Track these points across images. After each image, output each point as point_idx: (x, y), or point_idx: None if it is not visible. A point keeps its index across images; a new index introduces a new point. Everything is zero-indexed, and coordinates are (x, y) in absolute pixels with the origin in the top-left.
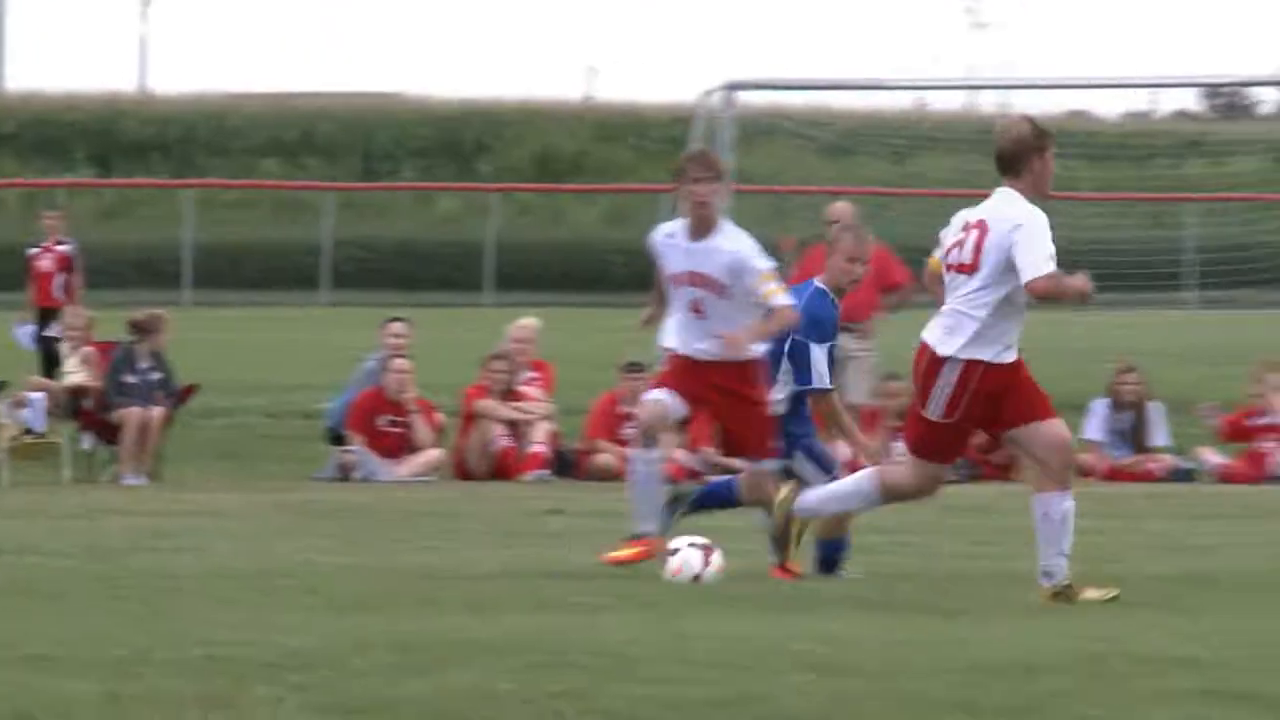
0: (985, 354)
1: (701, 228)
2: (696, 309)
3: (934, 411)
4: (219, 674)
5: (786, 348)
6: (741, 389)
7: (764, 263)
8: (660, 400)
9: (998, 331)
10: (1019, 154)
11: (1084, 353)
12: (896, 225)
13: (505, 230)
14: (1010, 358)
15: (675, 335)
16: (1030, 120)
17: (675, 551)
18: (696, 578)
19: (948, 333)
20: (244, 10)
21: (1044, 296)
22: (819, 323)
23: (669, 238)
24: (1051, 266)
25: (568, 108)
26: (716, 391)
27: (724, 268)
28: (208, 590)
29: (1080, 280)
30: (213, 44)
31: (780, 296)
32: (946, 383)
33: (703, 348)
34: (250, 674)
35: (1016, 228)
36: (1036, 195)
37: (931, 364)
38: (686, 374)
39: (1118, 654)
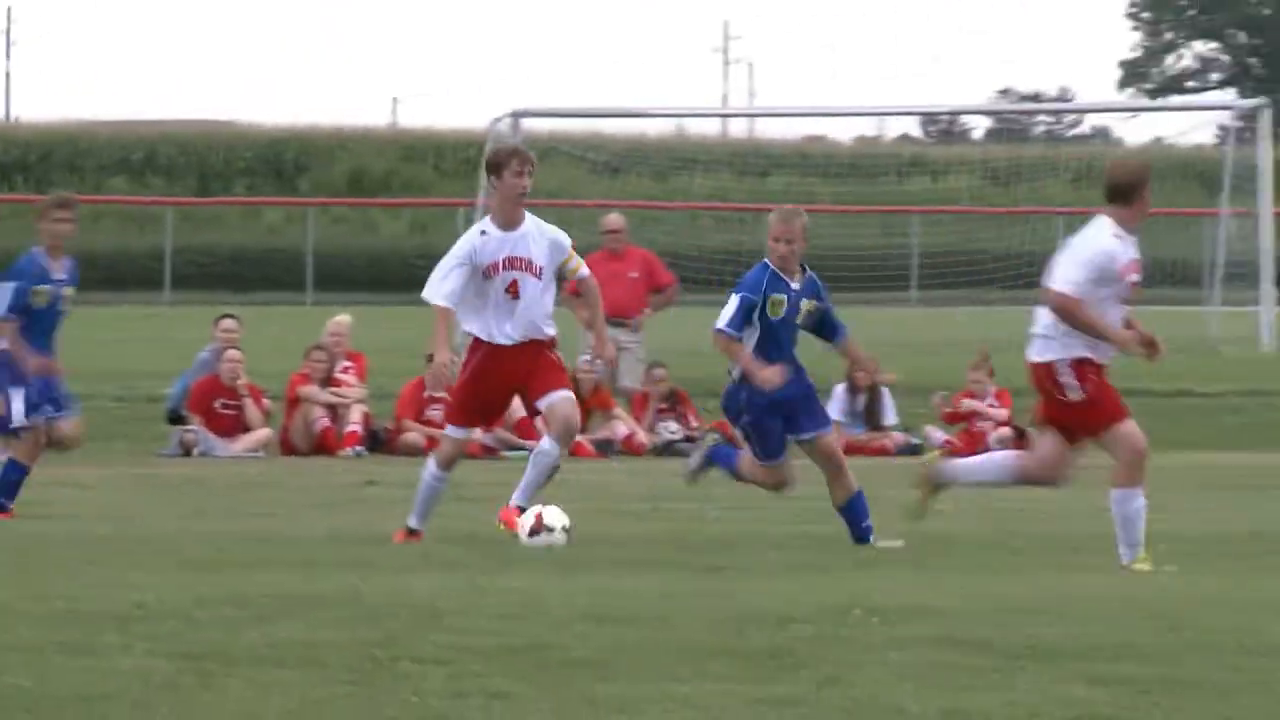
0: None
1: (516, 217)
2: (513, 291)
3: (1074, 394)
4: (77, 624)
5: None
6: (540, 360)
7: (568, 240)
8: (459, 440)
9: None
10: (1135, 186)
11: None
12: (661, 235)
13: (322, 239)
14: (1090, 356)
15: (481, 324)
16: (1142, 158)
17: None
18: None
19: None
20: (96, 48)
21: (1059, 311)
22: (745, 282)
23: (484, 235)
24: (1069, 287)
25: (376, 132)
26: (516, 375)
27: (544, 249)
28: (68, 552)
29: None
30: (69, 78)
31: (585, 268)
32: (1066, 375)
33: (509, 330)
34: (105, 624)
35: (1070, 246)
36: (1139, 221)
37: (1040, 370)
38: (488, 377)
39: (861, 606)
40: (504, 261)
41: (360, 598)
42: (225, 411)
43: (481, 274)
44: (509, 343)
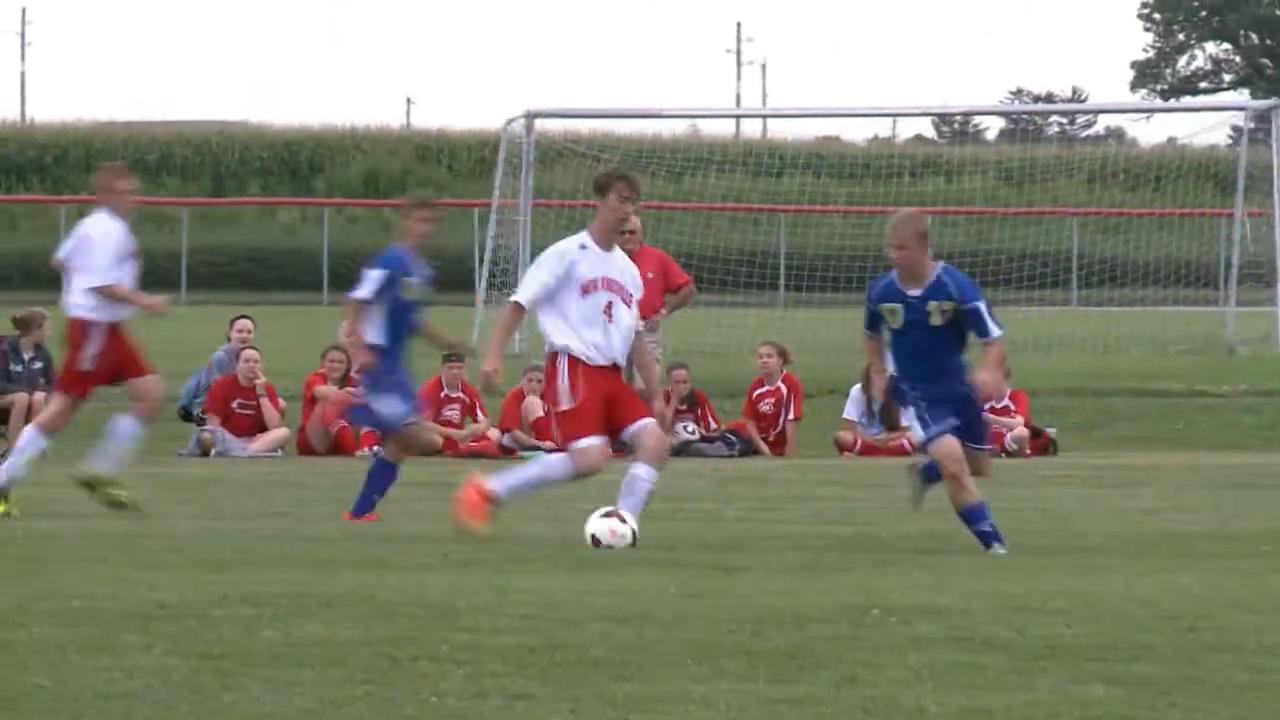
0: None
1: (612, 240)
2: (609, 314)
3: None
4: (96, 624)
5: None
6: (623, 386)
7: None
8: (599, 451)
9: None
10: None
11: (841, 344)
12: (676, 235)
13: (337, 239)
14: None
15: (579, 342)
16: None
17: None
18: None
19: None
20: (112, 49)
21: None
22: (874, 283)
23: (584, 249)
24: None
25: (390, 133)
26: (613, 394)
27: (633, 279)
28: (86, 550)
29: None
30: (84, 79)
31: (641, 322)
32: None
33: (606, 351)
34: (123, 624)
35: None
36: None
37: None
38: (599, 393)
39: (879, 606)
40: (602, 281)
41: (377, 597)
42: (242, 411)
43: (579, 289)
44: (605, 363)
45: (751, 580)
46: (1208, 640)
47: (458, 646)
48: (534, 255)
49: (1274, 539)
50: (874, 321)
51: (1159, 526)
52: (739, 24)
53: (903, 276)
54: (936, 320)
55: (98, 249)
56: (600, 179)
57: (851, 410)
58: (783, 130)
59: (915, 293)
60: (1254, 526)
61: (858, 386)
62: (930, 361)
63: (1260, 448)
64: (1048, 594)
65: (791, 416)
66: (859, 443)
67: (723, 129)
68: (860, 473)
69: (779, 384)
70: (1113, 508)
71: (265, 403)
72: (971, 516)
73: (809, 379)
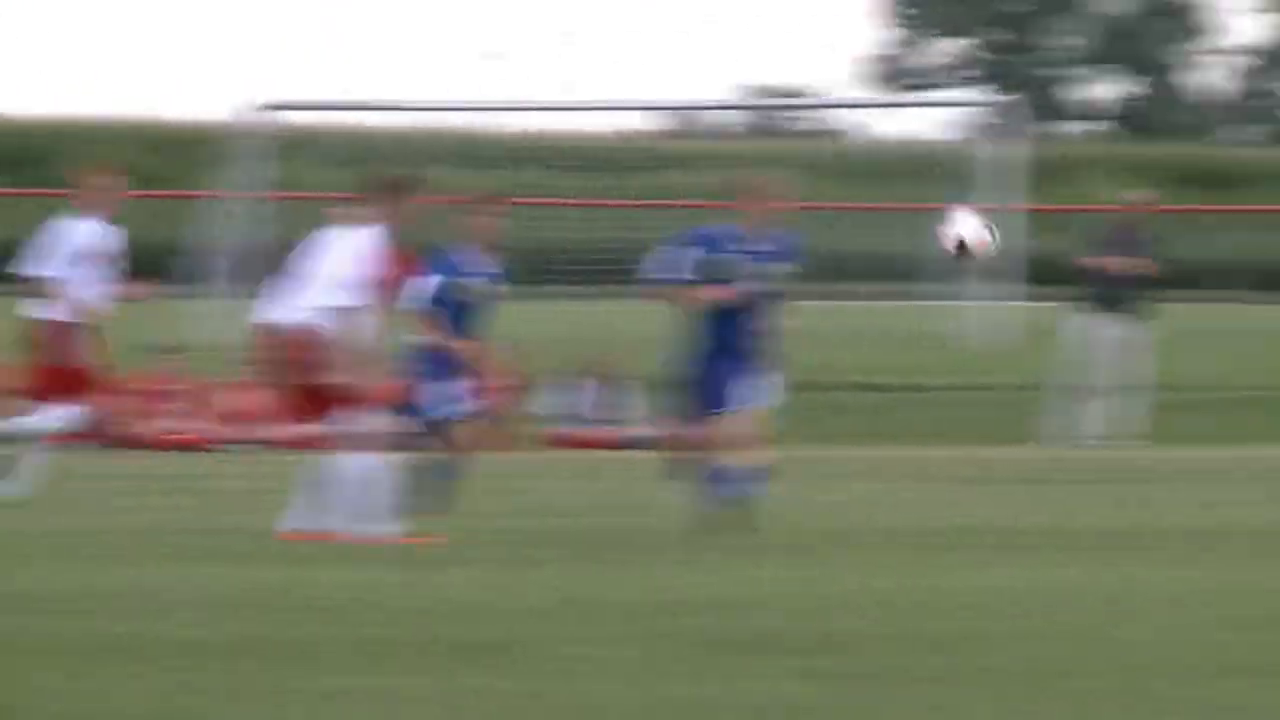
0: None
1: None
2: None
3: None
4: None
5: None
6: None
7: None
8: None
9: None
10: None
11: (562, 337)
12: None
13: None
14: None
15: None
16: None
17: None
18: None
19: None
20: None
21: None
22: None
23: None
24: None
25: (125, 123)
26: None
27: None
28: None
29: None
30: None
31: None
32: None
33: None
34: None
35: None
36: None
37: None
38: None
39: (573, 600)
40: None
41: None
42: None
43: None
44: None
45: (447, 574)
46: (909, 629)
47: (320, 640)
48: (277, 247)
49: (991, 532)
50: (696, 269)
51: (872, 522)
52: (477, 17)
53: (752, 233)
54: (765, 285)
55: (47, 241)
56: (390, 180)
57: (558, 404)
58: (519, 123)
59: (764, 248)
60: (971, 520)
61: (566, 380)
62: (743, 324)
63: (976, 441)
64: (748, 586)
65: (503, 410)
66: (565, 436)
67: (463, 122)
68: (563, 465)
69: (493, 377)
70: (831, 502)
71: None
72: (716, 479)
73: (528, 371)
